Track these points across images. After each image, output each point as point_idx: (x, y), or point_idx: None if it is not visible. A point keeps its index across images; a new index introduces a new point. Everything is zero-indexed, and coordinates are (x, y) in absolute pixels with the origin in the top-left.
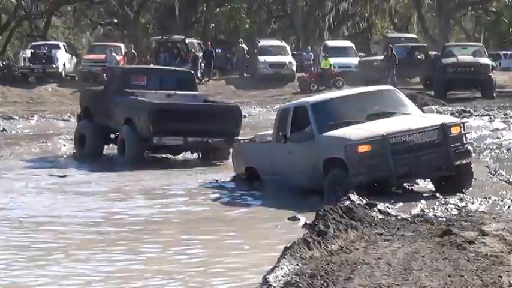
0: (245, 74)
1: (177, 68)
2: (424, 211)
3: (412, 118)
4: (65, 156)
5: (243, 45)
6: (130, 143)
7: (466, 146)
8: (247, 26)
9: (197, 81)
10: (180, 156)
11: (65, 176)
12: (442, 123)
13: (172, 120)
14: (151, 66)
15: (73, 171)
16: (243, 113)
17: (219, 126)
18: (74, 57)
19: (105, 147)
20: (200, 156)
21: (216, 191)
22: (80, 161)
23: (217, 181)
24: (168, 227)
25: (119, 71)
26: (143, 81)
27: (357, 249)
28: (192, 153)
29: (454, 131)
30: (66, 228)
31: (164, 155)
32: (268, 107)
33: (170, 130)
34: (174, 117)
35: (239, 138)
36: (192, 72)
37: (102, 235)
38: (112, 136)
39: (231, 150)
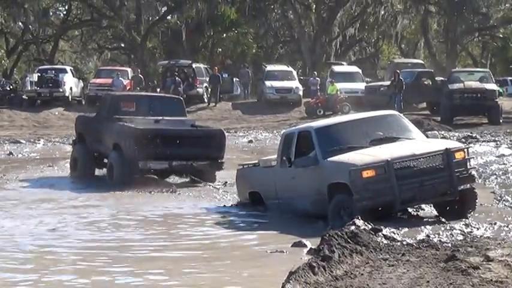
0: (249, 98)
1: (166, 95)
2: (429, 236)
3: (416, 143)
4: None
5: (248, 69)
6: (117, 168)
7: (470, 170)
8: (254, 51)
9: (204, 104)
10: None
11: None
12: (446, 149)
13: (157, 145)
14: (144, 93)
15: (74, 195)
16: (227, 137)
17: (203, 150)
18: (80, 81)
19: (98, 171)
20: (189, 179)
21: (219, 216)
22: (74, 184)
23: (220, 206)
24: (169, 253)
25: (109, 97)
26: (133, 108)
27: (362, 274)
28: (180, 177)
29: (458, 156)
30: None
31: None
32: (275, 131)
33: (155, 154)
34: (158, 142)
35: (243, 163)
36: (181, 98)
37: (104, 262)
38: (105, 161)
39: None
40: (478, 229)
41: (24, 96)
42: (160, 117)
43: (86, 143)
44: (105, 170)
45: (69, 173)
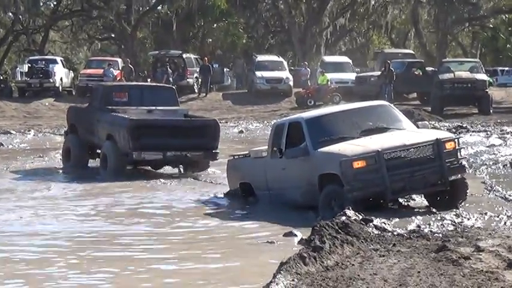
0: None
1: (158, 84)
2: (420, 227)
3: (406, 133)
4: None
5: (242, 60)
6: (111, 159)
7: (460, 161)
8: (244, 41)
9: (195, 95)
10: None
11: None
12: (437, 139)
13: (150, 136)
14: (136, 83)
15: (63, 186)
16: (221, 127)
17: (197, 140)
18: (71, 71)
19: (91, 161)
20: (182, 170)
21: (210, 207)
22: (67, 175)
23: (211, 197)
24: (160, 245)
25: (101, 88)
26: (125, 98)
27: (353, 264)
28: (173, 167)
29: (449, 146)
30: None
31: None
32: (265, 122)
33: (149, 145)
34: (152, 132)
35: (234, 153)
36: (174, 87)
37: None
38: (98, 151)
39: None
40: (468, 219)
41: (13, 86)
42: (153, 107)
43: (79, 134)
44: (98, 160)
45: (61, 164)
